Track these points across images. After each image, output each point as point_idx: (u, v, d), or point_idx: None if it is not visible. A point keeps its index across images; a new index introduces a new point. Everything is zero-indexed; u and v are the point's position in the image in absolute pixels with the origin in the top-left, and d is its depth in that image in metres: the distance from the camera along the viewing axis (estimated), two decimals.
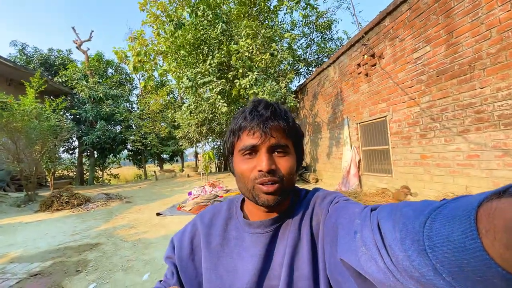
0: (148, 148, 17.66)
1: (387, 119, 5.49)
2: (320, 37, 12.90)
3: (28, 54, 17.59)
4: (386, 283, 0.32)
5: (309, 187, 7.44)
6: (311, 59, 13.01)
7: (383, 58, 5.45)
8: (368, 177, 6.35)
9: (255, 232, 0.59)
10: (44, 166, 10.41)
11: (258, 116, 0.55)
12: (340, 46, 13.10)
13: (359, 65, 6.31)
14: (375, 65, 5.74)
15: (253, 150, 0.55)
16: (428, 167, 4.50)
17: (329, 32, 12.74)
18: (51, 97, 11.72)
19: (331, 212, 0.53)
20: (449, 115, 4.06)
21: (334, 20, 12.41)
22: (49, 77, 15.29)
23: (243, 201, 0.68)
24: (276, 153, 0.56)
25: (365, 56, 5.94)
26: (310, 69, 13.34)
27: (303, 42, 13.12)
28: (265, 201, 0.53)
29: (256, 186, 0.54)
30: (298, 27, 12.61)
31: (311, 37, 12.73)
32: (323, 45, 12.79)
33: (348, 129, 6.97)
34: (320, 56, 12.95)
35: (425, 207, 0.31)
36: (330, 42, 13.11)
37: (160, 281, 0.66)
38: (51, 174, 11.13)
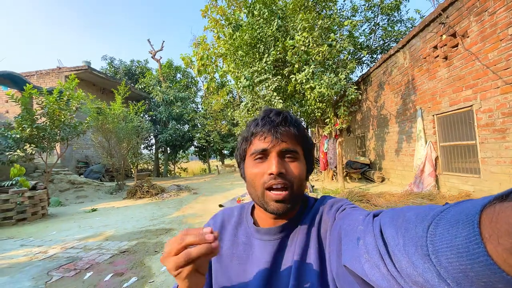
0: (211, 145, 19.05)
1: (473, 108, 4.63)
2: (386, 20, 11.61)
3: (115, 66, 20.92)
4: None
5: (375, 187, 6.90)
6: (376, 45, 11.83)
7: (468, 37, 4.60)
8: (447, 177, 5.50)
9: (263, 238, 0.59)
10: (129, 160, 12.31)
11: (270, 121, 0.57)
12: (411, 28, 11.55)
13: (435, 47, 5.46)
14: (456, 46, 4.89)
15: (264, 154, 0.56)
16: None
17: (398, 13, 11.35)
18: (134, 102, 13.70)
19: (337, 220, 0.52)
20: None
21: None
22: (132, 84, 17.91)
23: (253, 207, 0.68)
24: (286, 158, 0.56)
25: (444, 36, 5.11)
26: (375, 56, 12.16)
27: (366, 28, 12.04)
28: (275, 209, 0.54)
29: (266, 193, 0.54)
30: (360, 13, 11.61)
31: (375, 21, 11.55)
32: (390, 29, 11.47)
33: (422, 121, 6.15)
34: (386, 41, 11.67)
35: (428, 212, 0.30)
36: (399, 24, 11.66)
37: None
38: (135, 167, 13.09)
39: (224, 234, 0.65)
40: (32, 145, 7.00)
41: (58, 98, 7.19)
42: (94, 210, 6.76)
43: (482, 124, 4.44)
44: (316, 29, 6.47)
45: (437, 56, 5.42)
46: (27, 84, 6.78)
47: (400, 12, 11.36)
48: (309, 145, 0.62)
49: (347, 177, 8.99)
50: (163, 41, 20.76)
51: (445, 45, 5.13)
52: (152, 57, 20.37)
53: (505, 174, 4.06)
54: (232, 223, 0.66)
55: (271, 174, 0.53)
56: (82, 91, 8.17)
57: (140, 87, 18.50)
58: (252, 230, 0.62)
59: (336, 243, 0.47)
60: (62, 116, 7.37)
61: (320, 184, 8.45)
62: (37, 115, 7.06)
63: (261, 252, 0.57)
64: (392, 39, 11.46)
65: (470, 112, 4.74)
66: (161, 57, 20.54)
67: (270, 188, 0.54)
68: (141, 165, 17.82)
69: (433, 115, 5.77)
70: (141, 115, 14.57)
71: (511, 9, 3.74)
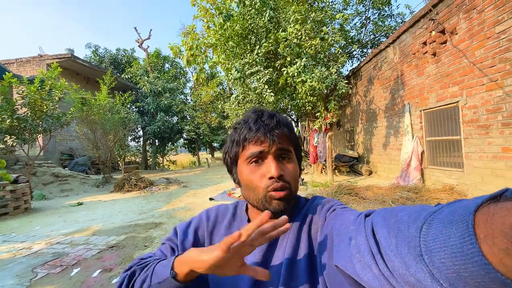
0: (201, 137, 18.85)
1: (459, 105, 4.76)
2: (377, 14, 11.66)
3: (100, 54, 20.12)
4: None
5: (363, 180, 7.04)
6: (366, 39, 11.90)
7: (456, 34, 4.67)
8: (432, 171, 5.68)
9: None
10: (116, 152, 12.02)
11: (264, 125, 0.57)
12: (401, 23, 11.66)
13: (424, 43, 5.54)
14: (445, 42, 4.97)
15: (260, 157, 0.57)
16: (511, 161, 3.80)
17: (388, 7, 11.40)
18: (120, 92, 13.31)
19: (328, 220, 0.53)
20: None
21: None
22: (118, 74, 17.34)
23: (247, 205, 0.69)
24: (282, 159, 0.58)
25: (433, 32, 5.18)
26: (365, 51, 12.24)
27: (357, 22, 12.06)
28: (277, 207, 0.54)
29: (268, 194, 0.55)
30: (352, 6, 11.59)
31: (366, 15, 11.58)
32: (380, 23, 11.54)
33: (409, 116, 6.28)
34: (377, 36, 11.76)
35: (420, 212, 0.30)
36: (389, 19, 11.75)
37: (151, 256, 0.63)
38: (122, 159, 12.80)
39: (217, 227, 0.66)
40: (12, 136, 6.68)
41: (39, 87, 6.86)
42: (80, 204, 6.59)
43: (467, 120, 4.58)
44: (308, 22, 6.41)
45: (426, 52, 5.50)
46: (6, 72, 6.41)
47: (391, 7, 11.42)
48: (298, 142, 0.63)
49: (336, 170, 9.14)
50: (151, 30, 20.12)
51: (434, 41, 5.20)
52: (139, 46, 19.71)
53: (487, 168, 4.23)
54: (226, 219, 0.67)
55: (271, 177, 0.54)
56: (65, 80, 7.82)
57: (126, 77, 17.93)
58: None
59: (327, 243, 0.48)
60: (44, 107, 7.05)
61: (310, 177, 8.56)
62: (18, 105, 6.72)
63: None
64: (383, 33, 11.55)
65: (456, 108, 4.87)
66: (148, 46, 20.00)
67: (273, 189, 0.55)
68: (128, 157, 17.47)
69: (421, 111, 5.90)
70: (128, 106, 14.15)
71: (499, 8, 3.81)
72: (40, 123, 7.20)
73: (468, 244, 0.22)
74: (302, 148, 13.33)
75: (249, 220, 0.64)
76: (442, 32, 4.99)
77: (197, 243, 0.64)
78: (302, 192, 6.03)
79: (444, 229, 0.25)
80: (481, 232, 0.21)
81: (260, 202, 0.56)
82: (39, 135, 7.50)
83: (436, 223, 0.26)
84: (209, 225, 0.67)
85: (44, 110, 7.06)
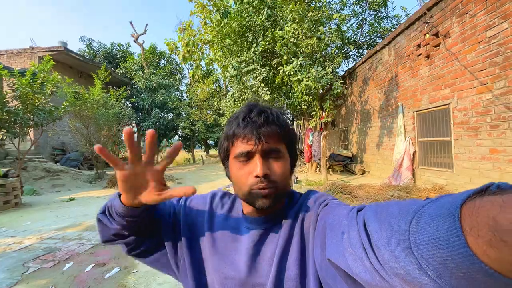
0: (196, 135, 18.77)
1: (450, 107, 4.86)
2: (373, 15, 11.73)
3: (94, 48, 19.81)
4: (373, 282, 0.32)
5: (356, 179, 7.11)
6: (362, 40, 11.97)
7: (449, 38, 4.76)
8: (423, 171, 5.79)
9: (249, 227, 0.61)
10: (110, 148, 11.86)
11: (251, 123, 0.56)
12: (397, 25, 11.77)
13: (419, 46, 5.63)
14: (438, 45, 5.06)
15: (247, 157, 0.56)
16: (498, 162, 3.91)
17: (385, 9, 11.49)
18: (114, 87, 13.13)
19: (321, 215, 0.54)
20: None
21: None
22: (112, 69, 17.08)
23: None
24: (270, 157, 0.57)
25: (427, 35, 5.26)
26: (361, 51, 12.32)
27: (353, 23, 12.11)
28: (261, 204, 0.55)
29: (252, 191, 0.55)
30: (349, 7, 11.64)
31: (363, 16, 11.64)
32: (376, 25, 11.61)
33: (402, 117, 6.37)
34: (372, 37, 11.84)
35: (410, 206, 0.31)
36: (385, 21, 11.83)
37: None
38: (116, 155, 12.65)
39: (217, 212, 0.68)
40: (2, 130, 6.56)
41: (31, 80, 6.73)
42: (72, 199, 6.52)
43: (458, 122, 4.68)
44: (305, 21, 6.44)
45: (420, 54, 5.59)
46: None
47: (387, 9, 11.51)
48: (293, 139, 0.62)
49: (330, 169, 9.23)
50: (147, 24, 19.88)
51: (428, 44, 5.29)
52: (134, 40, 19.49)
53: (475, 169, 4.34)
54: (226, 208, 0.69)
55: (257, 176, 0.54)
56: (58, 73, 7.70)
57: (121, 72, 17.71)
58: (241, 217, 0.64)
59: (320, 237, 0.49)
60: (36, 100, 6.93)
61: (304, 175, 8.62)
62: (8, 98, 6.59)
63: (246, 239, 0.60)
64: (378, 35, 11.64)
65: (447, 110, 4.97)
66: (144, 41, 19.71)
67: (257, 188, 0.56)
68: (122, 153, 17.28)
69: (413, 112, 6.00)
70: (123, 101, 13.95)
71: (490, 13, 3.90)
72: (32, 116, 7.08)
73: (454, 237, 0.23)
74: (297, 146, 13.45)
75: (243, 212, 0.65)
76: (436, 35, 5.08)
77: (193, 222, 0.66)
78: (296, 190, 6.09)
79: (432, 223, 0.26)
80: (467, 225, 0.22)
81: (246, 198, 0.57)
82: (30, 129, 7.37)
83: (425, 217, 0.27)
84: (212, 208, 0.69)
85: (36, 104, 6.94)
